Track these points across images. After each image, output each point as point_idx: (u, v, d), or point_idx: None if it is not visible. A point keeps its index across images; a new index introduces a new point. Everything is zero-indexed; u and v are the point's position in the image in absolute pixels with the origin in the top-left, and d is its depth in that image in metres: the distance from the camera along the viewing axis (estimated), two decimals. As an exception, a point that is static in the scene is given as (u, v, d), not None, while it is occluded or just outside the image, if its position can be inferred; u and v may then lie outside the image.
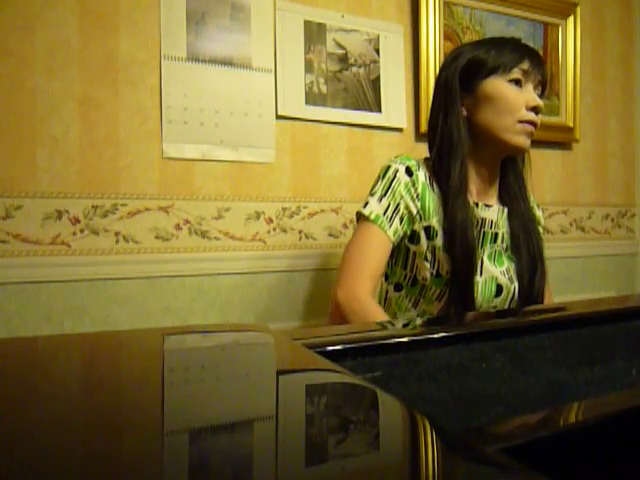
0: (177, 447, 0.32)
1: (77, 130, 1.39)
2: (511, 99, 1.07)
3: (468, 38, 1.94)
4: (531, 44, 2.15)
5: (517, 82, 1.08)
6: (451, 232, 1.06)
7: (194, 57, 1.51)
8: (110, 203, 1.42)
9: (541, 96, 1.13)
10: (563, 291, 2.12)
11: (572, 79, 2.15)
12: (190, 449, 0.32)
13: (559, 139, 2.17)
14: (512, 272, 1.15)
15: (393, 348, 0.60)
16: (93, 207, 1.40)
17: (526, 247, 1.16)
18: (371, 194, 1.11)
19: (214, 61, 1.53)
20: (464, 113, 1.10)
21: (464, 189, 1.08)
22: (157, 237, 1.47)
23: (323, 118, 1.68)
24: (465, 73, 1.10)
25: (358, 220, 1.15)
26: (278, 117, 1.62)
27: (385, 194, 1.09)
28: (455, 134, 1.09)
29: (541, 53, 2.12)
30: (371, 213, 1.08)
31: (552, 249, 2.15)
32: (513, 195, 1.18)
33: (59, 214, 1.37)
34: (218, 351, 0.58)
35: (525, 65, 1.09)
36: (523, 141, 1.09)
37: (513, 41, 1.13)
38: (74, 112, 1.38)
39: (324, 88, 1.68)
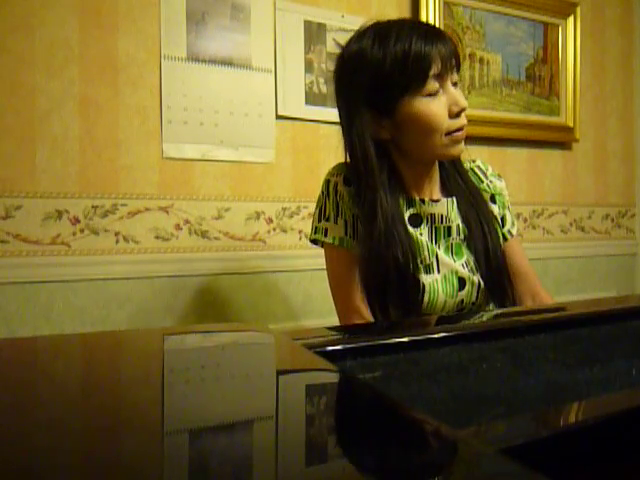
0: (177, 447, 0.32)
1: (77, 130, 1.39)
2: (432, 116, 0.98)
3: (468, 38, 1.94)
4: (531, 44, 2.17)
5: (434, 91, 0.99)
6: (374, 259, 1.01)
7: (194, 57, 1.51)
8: (110, 203, 1.42)
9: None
10: (563, 291, 2.12)
11: (572, 79, 2.15)
12: (190, 449, 0.32)
13: (559, 139, 2.17)
14: (472, 263, 1.09)
15: (393, 348, 0.60)
16: (93, 207, 1.40)
17: (480, 238, 1.09)
18: (325, 218, 1.08)
19: (214, 61, 1.53)
20: (387, 136, 1.03)
21: (376, 214, 1.01)
22: (157, 237, 1.47)
23: (323, 118, 1.67)
24: (374, 94, 1.00)
25: (316, 243, 1.12)
26: (278, 117, 1.62)
27: (337, 214, 1.06)
28: (366, 161, 1.02)
29: (541, 53, 2.12)
30: (335, 239, 1.06)
31: (552, 249, 2.16)
32: (457, 188, 1.11)
33: (59, 214, 1.37)
34: (218, 351, 0.58)
35: (435, 69, 0.97)
36: (454, 151, 1.03)
37: (414, 42, 0.97)
38: (74, 112, 1.38)
39: (324, 88, 1.68)
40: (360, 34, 1.05)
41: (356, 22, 1.79)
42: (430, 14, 1.82)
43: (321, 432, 0.35)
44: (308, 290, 1.67)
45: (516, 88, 2.06)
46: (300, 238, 1.66)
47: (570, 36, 2.15)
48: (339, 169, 1.09)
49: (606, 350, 0.68)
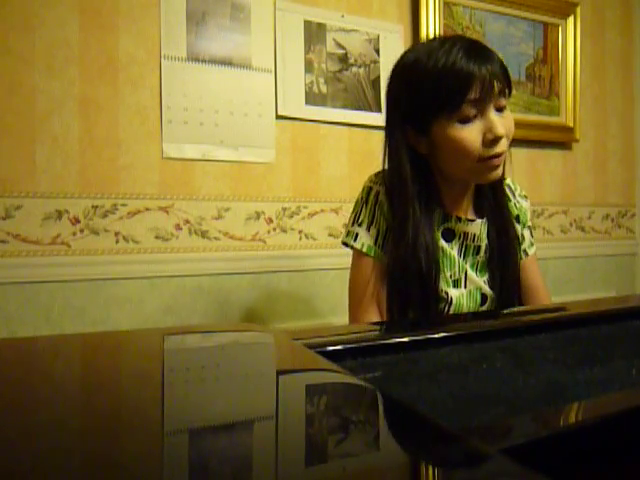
0: (177, 447, 0.32)
1: (77, 130, 1.39)
2: (463, 144, 0.94)
3: (468, 38, 1.94)
4: (531, 44, 2.17)
5: (469, 117, 0.94)
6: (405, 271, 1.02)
7: (194, 57, 1.51)
8: (110, 203, 1.42)
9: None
10: (563, 291, 2.12)
11: (572, 79, 2.15)
12: (190, 449, 0.32)
13: (559, 139, 2.17)
14: (492, 281, 1.12)
15: (393, 348, 0.60)
16: (93, 207, 1.40)
17: (501, 260, 1.11)
18: (358, 223, 1.09)
19: (214, 61, 1.53)
20: (425, 151, 1.02)
21: (407, 224, 1.02)
22: (157, 237, 1.47)
23: (323, 118, 1.68)
24: (411, 110, 1.00)
25: (346, 245, 1.13)
26: (278, 117, 1.62)
27: (372, 222, 1.07)
28: (400, 172, 1.02)
29: (541, 53, 2.12)
30: (363, 246, 1.07)
31: (552, 249, 2.16)
32: (489, 208, 1.12)
33: (59, 214, 1.37)
34: (218, 351, 0.58)
35: (473, 94, 0.92)
36: (487, 177, 1.01)
37: (453, 61, 0.92)
38: (74, 112, 1.38)
39: (324, 88, 1.68)
40: (416, 46, 1.06)
41: (356, 22, 1.79)
42: (430, 14, 1.82)
43: (321, 432, 0.35)
44: (308, 290, 1.67)
45: (516, 88, 2.06)
46: (300, 238, 1.66)
47: (570, 36, 2.15)
48: (382, 177, 1.08)
49: (606, 350, 0.68)
